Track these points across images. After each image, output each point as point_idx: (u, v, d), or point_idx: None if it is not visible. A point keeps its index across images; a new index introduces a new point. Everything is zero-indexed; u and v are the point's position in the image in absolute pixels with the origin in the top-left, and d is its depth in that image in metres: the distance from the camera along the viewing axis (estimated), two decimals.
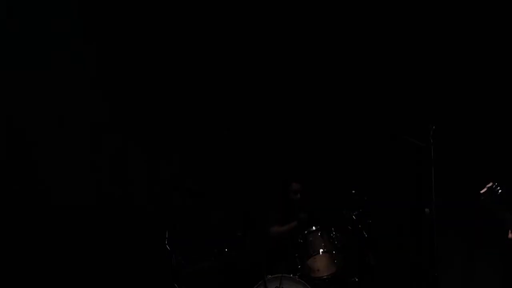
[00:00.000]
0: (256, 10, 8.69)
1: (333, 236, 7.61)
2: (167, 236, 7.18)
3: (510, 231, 6.19)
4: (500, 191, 6.13)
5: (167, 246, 7.18)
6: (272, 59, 8.69)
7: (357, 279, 7.56)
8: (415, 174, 6.97)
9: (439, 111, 8.19)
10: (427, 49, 8.57)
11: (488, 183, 6.20)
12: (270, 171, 8.37)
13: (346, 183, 7.79)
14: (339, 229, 7.63)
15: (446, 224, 7.41)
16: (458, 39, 8.53)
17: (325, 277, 7.56)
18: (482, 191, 6.19)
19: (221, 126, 7.74)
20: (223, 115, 8.50)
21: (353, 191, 7.62)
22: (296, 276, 7.44)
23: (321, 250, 7.54)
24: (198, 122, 8.54)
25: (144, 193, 8.41)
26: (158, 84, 8.65)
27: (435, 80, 8.51)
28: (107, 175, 8.49)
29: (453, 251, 8.30)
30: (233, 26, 8.67)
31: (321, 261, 7.54)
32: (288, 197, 8.05)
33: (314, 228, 7.64)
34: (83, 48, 8.37)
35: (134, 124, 8.58)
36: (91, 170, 8.47)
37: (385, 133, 7.47)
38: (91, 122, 8.47)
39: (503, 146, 8.30)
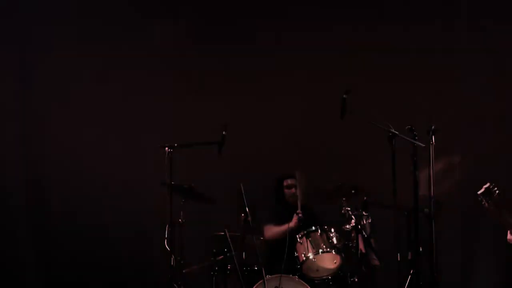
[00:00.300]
0: (255, 8, 8.72)
1: (333, 236, 7.61)
2: (166, 236, 7.19)
3: (509, 232, 6.17)
4: (497, 191, 6.12)
5: (166, 246, 7.19)
6: (270, 56, 8.70)
7: (356, 279, 7.55)
8: (414, 174, 6.94)
9: (438, 111, 8.20)
10: (426, 48, 8.57)
11: (486, 183, 6.18)
12: (269, 171, 8.37)
13: (346, 183, 7.77)
14: (339, 229, 7.63)
15: (446, 223, 7.41)
16: (458, 38, 8.53)
17: (324, 277, 7.56)
18: (479, 192, 6.18)
19: (219, 125, 7.72)
20: (221, 114, 8.53)
21: (353, 191, 7.62)
22: (296, 276, 7.44)
23: (320, 250, 7.54)
24: (196, 121, 8.57)
25: (143, 193, 8.42)
26: (155, 82, 8.67)
27: (434, 80, 8.52)
28: (105, 175, 8.50)
29: (452, 251, 8.30)
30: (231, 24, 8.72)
31: (320, 261, 7.54)
32: (283, 194, 8.06)
33: (313, 228, 7.64)
34: None
35: (132, 123, 8.60)
36: (89, 171, 8.49)
37: (384, 133, 7.45)
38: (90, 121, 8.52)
39: (503, 145, 8.30)
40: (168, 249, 7.17)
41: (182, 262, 7.30)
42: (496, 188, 6.14)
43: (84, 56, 8.63)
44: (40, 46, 8.67)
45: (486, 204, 6.16)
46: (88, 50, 8.64)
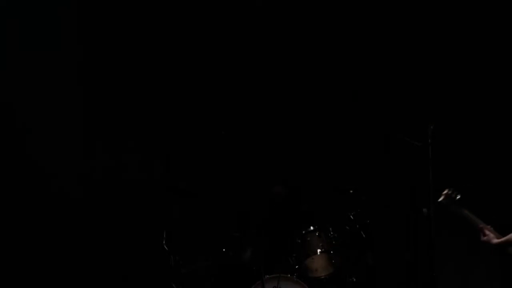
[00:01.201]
0: (253, 10, 8.71)
1: (331, 236, 7.60)
2: (165, 236, 7.20)
3: (481, 234, 6.04)
4: (458, 196, 5.98)
5: (165, 246, 7.20)
6: (267, 60, 8.70)
7: (355, 279, 7.56)
8: (413, 174, 6.95)
9: (436, 111, 8.19)
10: (425, 48, 8.56)
11: (444, 190, 6.05)
12: (267, 171, 8.37)
13: (344, 183, 7.77)
14: (337, 229, 7.63)
15: (444, 223, 7.40)
16: (456, 38, 8.52)
17: (323, 277, 7.55)
18: (439, 200, 6.04)
19: (217, 127, 7.73)
20: (218, 115, 8.52)
21: (351, 191, 7.62)
22: (294, 276, 7.44)
23: (319, 250, 7.54)
24: (194, 122, 8.56)
25: (141, 193, 8.42)
26: (152, 82, 8.66)
27: (433, 79, 8.51)
28: (104, 175, 8.50)
29: (451, 251, 8.29)
30: (228, 26, 8.69)
31: (319, 261, 7.54)
32: (273, 201, 8.08)
33: (312, 228, 7.63)
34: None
35: (128, 122, 8.60)
36: (87, 171, 8.49)
37: (383, 133, 7.45)
38: (84, 122, 8.52)
39: (501, 145, 8.29)
40: (166, 249, 7.17)
41: (180, 262, 7.30)
42: (455, 193, 6.00)
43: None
44: None
45: (449, 208, 6.03)
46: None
